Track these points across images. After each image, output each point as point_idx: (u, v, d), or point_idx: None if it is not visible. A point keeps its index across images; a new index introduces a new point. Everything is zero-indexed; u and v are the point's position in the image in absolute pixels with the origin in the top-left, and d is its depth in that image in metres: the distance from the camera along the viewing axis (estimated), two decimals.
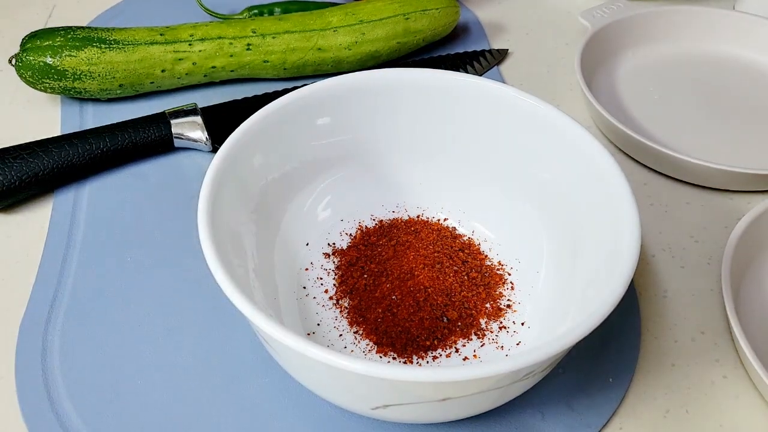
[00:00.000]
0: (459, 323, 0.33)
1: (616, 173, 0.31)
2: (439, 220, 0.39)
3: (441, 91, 0.36)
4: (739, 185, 0.42)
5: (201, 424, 0.31)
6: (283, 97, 0.35)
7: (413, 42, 0.50)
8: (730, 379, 0.33)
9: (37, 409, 0.31)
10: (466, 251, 0.36)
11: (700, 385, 0.33)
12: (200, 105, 0.47)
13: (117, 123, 0.43)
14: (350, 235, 0.38)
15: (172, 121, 0.43)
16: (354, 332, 0.33)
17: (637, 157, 0.44)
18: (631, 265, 0.27)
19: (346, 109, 0.36)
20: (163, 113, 0.44)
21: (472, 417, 0.31)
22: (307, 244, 0.37)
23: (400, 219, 0.38)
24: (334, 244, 0.37)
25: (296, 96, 0.35)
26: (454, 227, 0.38)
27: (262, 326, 0.25)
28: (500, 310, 0.34)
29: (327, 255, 0.37)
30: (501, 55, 0.53)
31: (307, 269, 0.36)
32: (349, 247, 0.37)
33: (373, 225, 0.38)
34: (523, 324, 0.34)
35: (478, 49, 0.52)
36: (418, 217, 0.39)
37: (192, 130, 0.43)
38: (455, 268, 0.35)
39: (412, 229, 0.38)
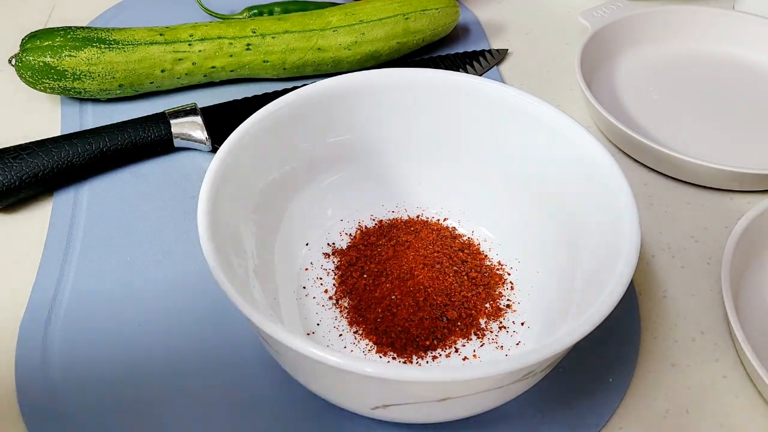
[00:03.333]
0: (459, 323, 0.33)
1: (616, 173, 0.31)
2: (438, 220, 0.39)
3: (441, 91, 0.36)
4: (739, 185, 0.42)
5: (201, 424, 0.31)
6: (282, 97, 0.35)
7: (413, 42, 0.50)
8: (730, 379, 0.33)
9: (37, 409, 0.31)
10: (466, 251, 0.36)
11: (700, 384, 0.33)
12: (200, 105, 0.47)
13: (117, 123, 0.43)
14: (350, 235, 0.38)
15: (172, 121, 0.43)
16: (354, 332, 0.33)
17: (637, 157, 0.44)
18: (631, 265, 0.27)
19: (345, 109, 0.36)
20: (162, 113, 0.44)
21: (472, 417, 0.31)
22: (307, 244, 0.37)
23: (400, 219, 0.38)
24: (333, 244, 0.37)
25: (296, 96, 0.35)
26: (454, 227, 0.38)
27: (262, 326, 0.25)
28: (500, 310, 0.34)
29: (327, 255, 0.37)
30: (501, 55, 0.53)
31: (306, 269, 0.36)
32: (348, 247, 0.37)
33: (373, 225, 0.38)
34: (522, 324, 0.34)
35: (478, 49, 0.52)
36: (417, 217, 0.39)
37: (192, 130, 0.43)
38: (455, 268, 0.35)
39: (412, 229, 0.38)
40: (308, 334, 0.33)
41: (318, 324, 0.34)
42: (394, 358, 0.32)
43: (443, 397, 0.26)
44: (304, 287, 0.35)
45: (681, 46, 0.53)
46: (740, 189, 0.42)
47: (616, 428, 0.31)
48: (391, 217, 0.39)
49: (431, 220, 0.38)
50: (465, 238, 0.37)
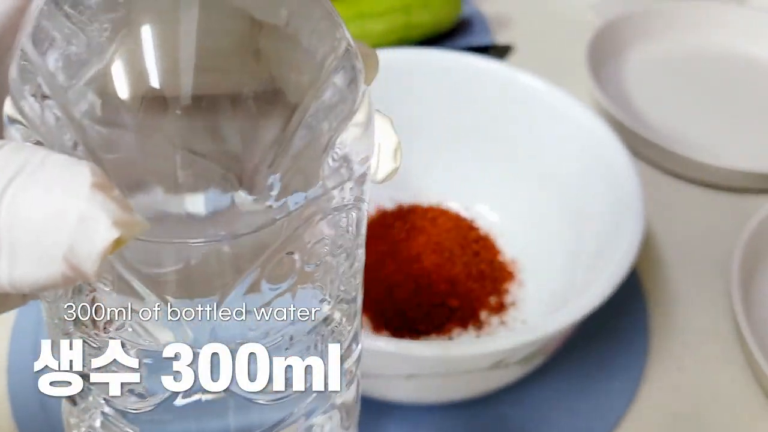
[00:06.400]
0: (458, 313, 0.33)
1: (620, 152, 0.31)
2: (459, 210, 0.38)
3: (465, 79, 0.36)
4: (750, 185, 0.41)
5: None
6: None
7: (414, 36, 0.49)
8: (739, 382, 0.33)
9: (29, 411, 0.31)
10: (480, 243, 0.36)
11: (708, 388, 0.33)
12: None
13: None
14: (368, 214, 0.37)
15: None
16: None
17: (646, 156, 0.43)
18: (625, 265, 0.27)
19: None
20: None
21: (473, 419, 0.31)
22: None
23: (420, 205, 0.38)
24: None
25: None
26: (473, 219, 0.37)
27: None
28: (503, 305, 0.34)
29: None
30: (505, 51, 0.52)
31: None
32: None
33: (393, 207, 0.38)
34: (523, 322, 0.33)
35: (482, 44, 0.51)
36: (438, 204, 0.38)
37: None
38: (465, 258, 0.35)
39: (430, 215, 0.37)
40: None
41: None
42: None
43: (408, 373, 0.26)
44: None
45: (691, 42, 0.52)
46: (750, 188, 0.42)
47: None
48: (411, 202, 0.38)
49: (452, 210, 0.38)
50: (482, 231, 0.37)
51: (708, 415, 0.32)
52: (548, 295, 0.33)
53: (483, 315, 0.33)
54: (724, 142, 0.45)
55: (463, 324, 0.33)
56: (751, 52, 0.51)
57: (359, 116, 0.14)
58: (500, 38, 0.54)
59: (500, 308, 0.33)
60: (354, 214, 0.15)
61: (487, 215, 0.38)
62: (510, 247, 0.36)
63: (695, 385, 0.33)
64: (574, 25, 0.55)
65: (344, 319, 0.17)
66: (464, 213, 0.38)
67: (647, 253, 0.38)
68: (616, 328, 0.34)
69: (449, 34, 0.53)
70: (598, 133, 0.33)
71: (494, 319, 0.33)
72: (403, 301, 0.33)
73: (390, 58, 0.36)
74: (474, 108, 0.37)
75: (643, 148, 0.43)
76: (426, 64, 0.36)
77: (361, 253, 0.16)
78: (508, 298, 0.34)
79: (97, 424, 0.16)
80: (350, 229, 0.15)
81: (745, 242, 0.35)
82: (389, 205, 0.38)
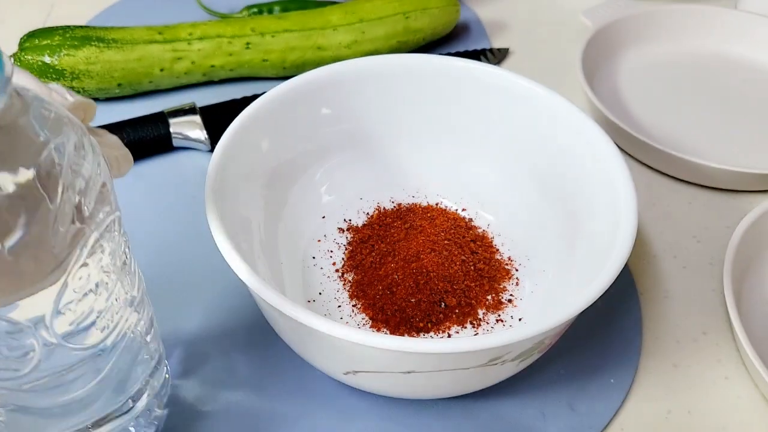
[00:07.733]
0: (456, 310, 0.33)
1: (612, 153, 0.32)
2: (457, 209, 0.38)
3: (463, 82, 0.37)
4: (742, 185, 0.42)
5: None
6: (307, 73, 0.35)
7: (413, 41, 0.50)
8: (732, 380, 0.33)
9: None
10: (477, 242, 0.36)
11: (701, 385, 0.33)
12: (199, 104, 0.47)
13: (115, 122, 0.43)
14: (368, 214, 0.38)
15: (171, 121, 0.43)
16: (353, 305, 0.34)
17: (639, 157, 0.44)
18: (619, 262, 0.27)
19: (359, 93, 0.37)
20: (161, 113, 0.43)
21: (469, 415, 0.31)
22: (324, 217, 0.38)
23: (419, 204, 0.39)
24: (350, 220, 0.38)
25: (320, 73, 0.36)
26: (471, 218, 0.38)
27: (240, 273, 0.26)
28: (500, 303, 0.34)
29: (341, 230, 0.37)
30: (502, 54, 0.52)
31: (319, 241, 0.37)
32: (364, 225, 0.37)
33: (392, 207, 0.38)
34: (520, 320, 0.33)
35: (479, 48, 0.52)
36: (437, 204, 0.39)
37: (191, 129, 0.43)
38: (463, 257, 0.35)
39: (429, 215, 0.38)
40: (309, 301, 0.34)
41: (320, 294, 0.34)
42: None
43: (407, 369, 0.26)
44: (314, 257, 0.36)
45: (683, 46, 0.53)
46: (743, 189, 0.42)
47: (618, 429, 0.31)
48: (410, 202, 0.39)
49: (450, 209, 0.38)
50: (479, 231, 0.37)
51: (701, 412, 0.32)
52: (544, 293, 0.34)
53: (480, 313, 0.34)
54: (717, 144, 0.45)
55: (461, 321, 0.33)
56: (743, 55, 0.52)
57: None
58: (497, 43, 0.54)
59: (497, 306, 0.34)
60: None
61: (484, 215, 0.38)
62: (507, 246, 0.37)
63: (689, 382, 0.33)
64: (569, 30, 0.55)
65: None
66: (462, 213, 0.38)
67: (641, 252, 0.39)
68: (611, 326, 0.35)
69: (447, 39, 0.54)
70: (593, 134, 0.33)
71: (491, 317, 0.34)
72: (402, 299, 0.33)
73: (389, 63, 0.37)
74: (472, 110, 0.37)
75: (637, 150, 0.44)
76: (425, 68, 0.37)
77: None
78: (504, 296, 0.34)
79: None
80: None
81: (738, 241, 0.35)
82: (389, 205, 0.39)
